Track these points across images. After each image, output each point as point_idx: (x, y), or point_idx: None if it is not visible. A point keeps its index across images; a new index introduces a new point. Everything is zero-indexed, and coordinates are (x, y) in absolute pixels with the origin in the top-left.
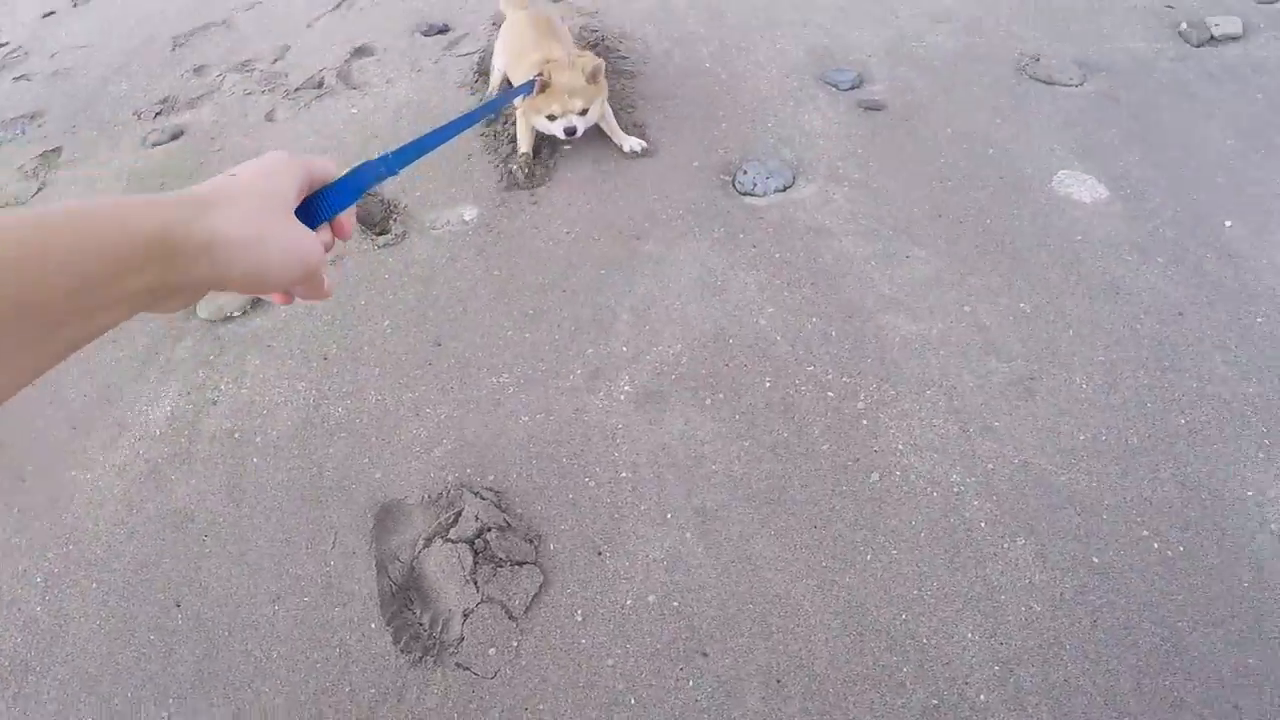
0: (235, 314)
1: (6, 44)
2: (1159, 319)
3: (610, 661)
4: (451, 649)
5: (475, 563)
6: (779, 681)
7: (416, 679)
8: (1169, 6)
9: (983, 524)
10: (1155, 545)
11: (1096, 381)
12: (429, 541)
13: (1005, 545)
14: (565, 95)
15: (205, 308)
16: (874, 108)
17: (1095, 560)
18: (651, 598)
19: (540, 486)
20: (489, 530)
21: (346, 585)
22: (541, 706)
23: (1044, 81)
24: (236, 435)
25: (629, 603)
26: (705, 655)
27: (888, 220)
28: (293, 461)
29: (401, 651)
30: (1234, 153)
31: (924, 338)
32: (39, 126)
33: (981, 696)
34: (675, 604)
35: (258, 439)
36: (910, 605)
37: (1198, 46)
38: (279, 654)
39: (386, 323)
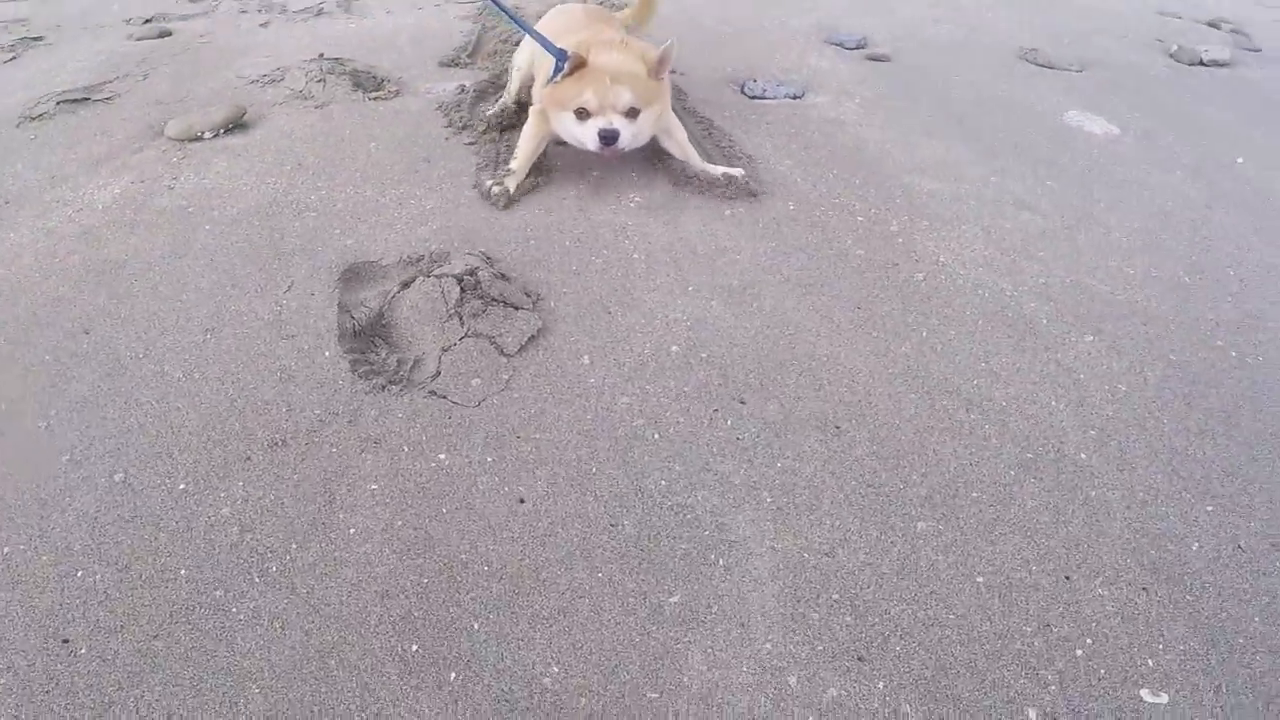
0: (205, 134)
1: None
2: (1189, 210)
3: (625, 400)
4: (422, 384)
5: (462, 298)
6: (838, 427)
7: (374, 403)
8: (1158, 40)
9: (1044, 320)
10: (1233, 354)
11: (1136, 240)
12: (406, 285)
13: (1073, 339)
14: (606, 81)
15: (174, 125)
16: (880, 59)
17: (1172, 358)
18: (675, 348)
19: (539, 259)
20: (479, 270)
21: (298, 321)
22: (538, 435)
23: (1044, 66)
24: (190, 210)
25: (647, 350)
26: (743, 403)
27: (904, 120)
28: (251, 230)
29: (360, 378)
30: (1236, 121)
31: (953, 194)
32: (22, 26)
33: (1082, 455)
34: (704, 354)
35: (214, 212)
36: (980, 374)
37: (1189, 65)
38: (201, 375)
39: (372, 144)
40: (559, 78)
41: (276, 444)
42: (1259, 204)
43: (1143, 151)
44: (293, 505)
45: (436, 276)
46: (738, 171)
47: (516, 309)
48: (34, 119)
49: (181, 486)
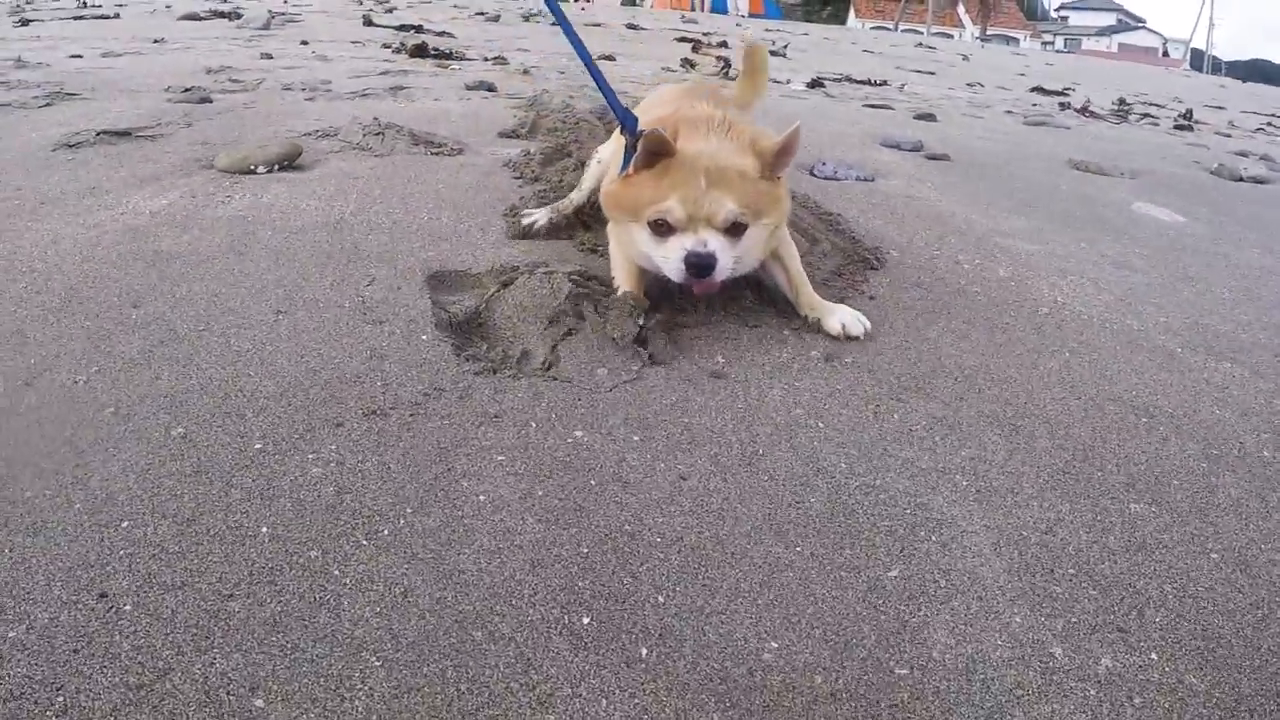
0: (259, 169)
1: None
2: (1277, 277)
3: (776, 393)
4: (535, 373)
5: (574, 293)
6: (1014, 425)
7: (487, 384)
8: (1195, 161)
9: (1179, 350)
10: None
11: (1238, 295)
12: (506, 285)
13: (1212, 365)
14: (700, 181)
15: (225, 158)
16: (940, 159)
17: None
18: (814, 352)
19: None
20: (592, 280)
21: (386, 309)
22: (686, 419)
23: (1096, 173)
24: (248, 219)
25: (786, 354)
26: (901, 400)
27: (980, 200)
28: (320, 237)
29: (466, 359)
30: None
31: (1049, 253)
32: (56, 85)
33: (1265, 453)
34: (848, 360)
35: (276, 223)
36: (1137, 387)
37: (1231, 180)
38: (274, 349)
39: (440, 186)
40: (630, 167)
41: (374, 413)
42: None
43: (1214, 234)
44: (401, 471)
45: (545, 273)
46: (862, 325)
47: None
48: (71, 146)
49: (258, 446)
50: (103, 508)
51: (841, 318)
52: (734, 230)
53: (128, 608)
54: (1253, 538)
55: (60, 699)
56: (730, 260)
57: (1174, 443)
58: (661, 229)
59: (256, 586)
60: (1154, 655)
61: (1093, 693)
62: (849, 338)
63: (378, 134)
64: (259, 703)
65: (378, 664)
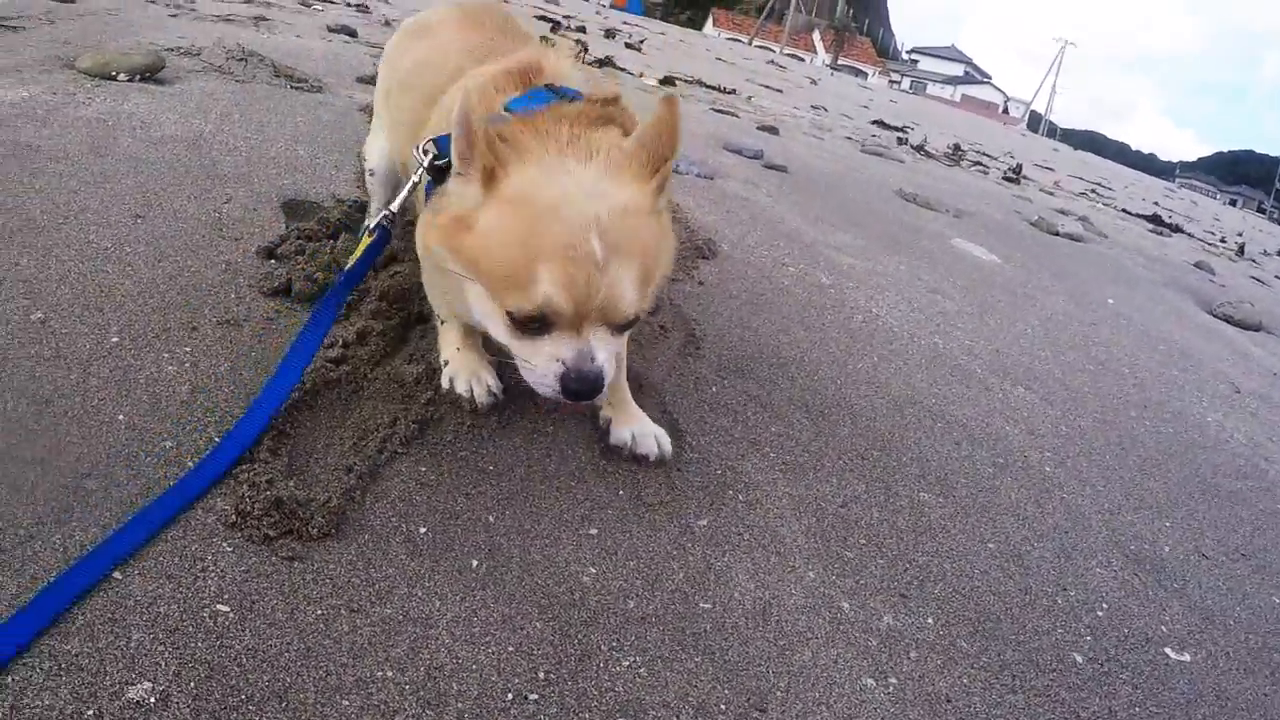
0: (121, 76)
1: None
2: (1078, 324)
3: None
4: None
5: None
6: (821, 412)
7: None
8: (1017, 211)
9: (978, 370)
10: (1147, 424)
11: (1038, 334)
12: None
13: (1008, 387)
14: (592, 250)
15: (87, 59)
16: (778, 169)
17: (1098, 416)
18: None
19: None
20: None
21: (242, 228)
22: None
23: (923, 206)
24: (109, 122)
25: None
26: (723, 385)
27: (811, 211)
28: (179, 150)
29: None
30: (1097, 277)
31: (870, 269)
32: None
33: (1048, 469)
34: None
35: (137, 131)
36: (934, 396)
37: (1048, 234)
38: (132, 251)
39: (299, 120)
40: (454, 199)
41: (228, 323)
42: (1137, 331)
43: (1025, 277)
44: (252, 378)
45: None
46: (660, 446)
47: None
48: None
49: (114, 339)
50: None
51: (638, 430)
52: (624, 329)
53: None
54: (1027, 536)
55: None
56: (614, 367)
57: (965, 448)
58: (530, 326)
59: (114, 468)
60: (930, 620)
61: (874, 643)
62: (636, 456)
63: (240, 60)
64: (117, 575)
65: (229, 549)
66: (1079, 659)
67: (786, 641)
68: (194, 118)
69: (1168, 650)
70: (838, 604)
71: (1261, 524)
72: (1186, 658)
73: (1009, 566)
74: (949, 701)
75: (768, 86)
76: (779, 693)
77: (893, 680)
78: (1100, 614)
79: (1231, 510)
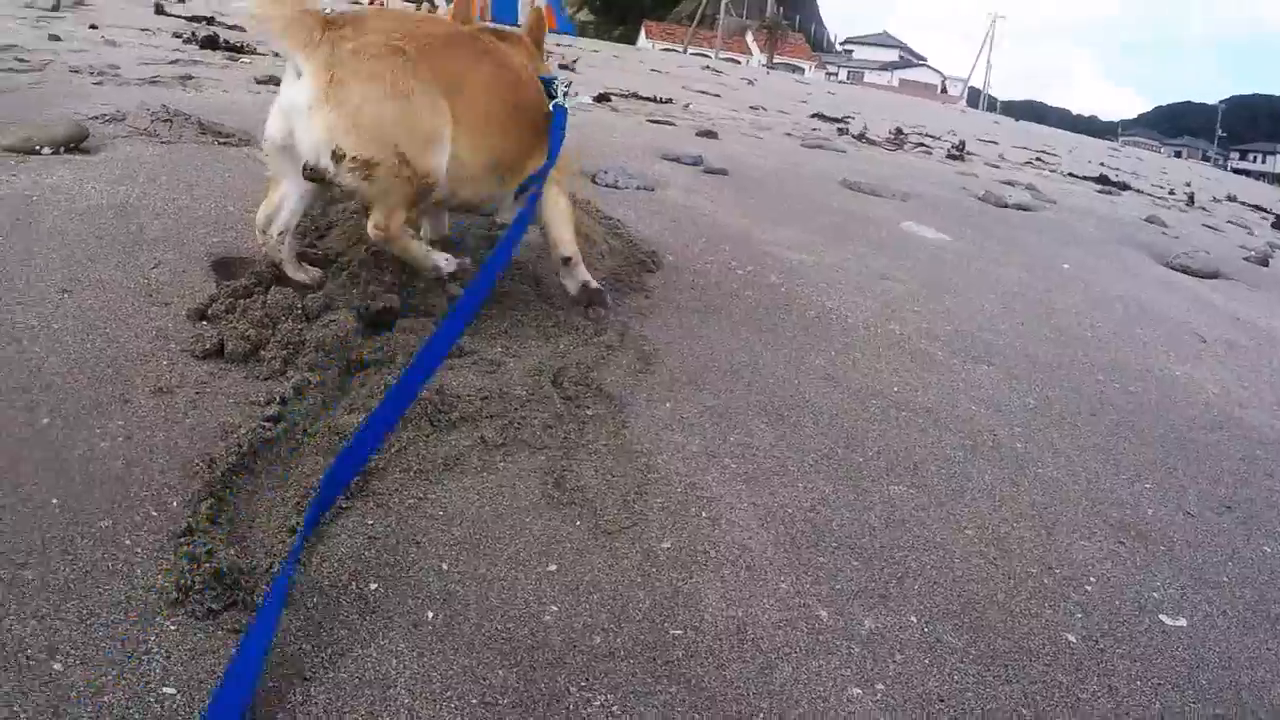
0: (44, 149)
1: None
2: (1034, 292)
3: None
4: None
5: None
6: (781, 415)
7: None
8: (964, 188)
9: (939, 354)
10: (1115, 386)
11: (997, 307)
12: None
13: (970, 367)
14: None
15: (6, 136)
16: (718, 173)
17: (1065, 385)
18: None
19: None
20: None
21: (172, 291)
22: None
23: (869, 193)
24: (33, 198)
25: None
26: (668, 402)
27: (754, 213)
28: (105, 221)
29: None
30: (1050, 243)
31: (819, 263)
32: None
33: (1019, 445)
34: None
35: (62, 204)
36: (896, 385)
37: (997, 206)
38: (60, 326)
39: (228, 174)
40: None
41: (161, 391)
42: (1094, 294)
43: (978, 252)
44: (189, 447)
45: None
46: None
47: None
48: None
49: (44, 420)
50: None
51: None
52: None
53: None
54: (1005, 517)
55: None
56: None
57: (932, 434)
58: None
59: (50, 555)
60: (913, 618)
61: (856, 650)
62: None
63: (166, 121)
64: (58, 666)
65: (172, 628)
66: (1072, 639)
67: (765, 660)
68: (120, 184)
69: (1163, 617)
70: (815, 613)
71: (1243, 473)
72: (1183, 623)
73: (990, 552)
74: (941, 701)
75: (704, 92)
76: (761, 715)
77: (880, 686)
78: (1089, 589)
79: (1211, 463)
